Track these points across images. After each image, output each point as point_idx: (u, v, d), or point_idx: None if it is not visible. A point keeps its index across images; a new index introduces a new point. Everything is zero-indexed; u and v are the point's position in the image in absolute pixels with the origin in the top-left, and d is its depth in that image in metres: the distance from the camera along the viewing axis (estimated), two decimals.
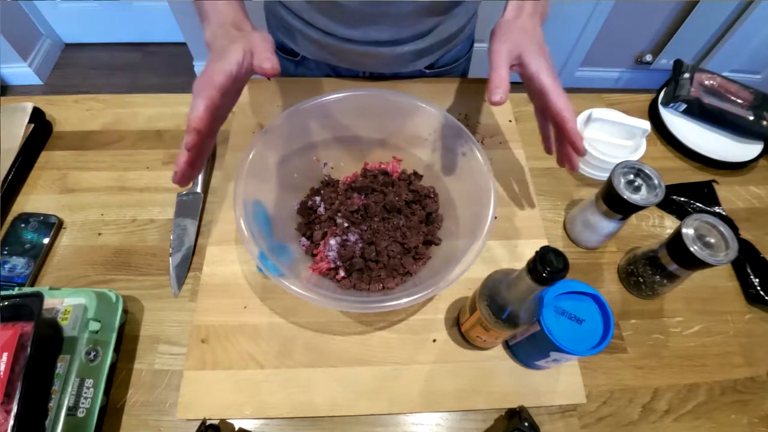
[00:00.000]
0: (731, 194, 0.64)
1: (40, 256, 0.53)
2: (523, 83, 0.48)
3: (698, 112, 0.69)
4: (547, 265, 0.30)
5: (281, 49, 0.75)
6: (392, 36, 0.62)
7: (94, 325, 0.44)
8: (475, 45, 0.79)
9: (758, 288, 0.54)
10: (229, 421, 0.45)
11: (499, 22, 0.48)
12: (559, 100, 0.44)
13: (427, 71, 0.73)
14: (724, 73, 0.73)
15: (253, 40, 0.42)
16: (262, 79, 0.71)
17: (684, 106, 0.69)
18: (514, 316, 0.38)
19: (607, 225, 0.53)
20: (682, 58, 0.76)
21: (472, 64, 0.81)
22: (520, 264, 0.34)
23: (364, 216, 0.54)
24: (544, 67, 0.45)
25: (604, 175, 0.63)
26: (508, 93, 0.43)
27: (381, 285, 0.50)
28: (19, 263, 0.52)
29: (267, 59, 0.41)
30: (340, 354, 0.48)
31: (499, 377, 0.48)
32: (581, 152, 0.46)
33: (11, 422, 0.36)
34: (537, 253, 0.31)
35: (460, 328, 0.49)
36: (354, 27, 0.61)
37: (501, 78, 0.43)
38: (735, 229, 0.59)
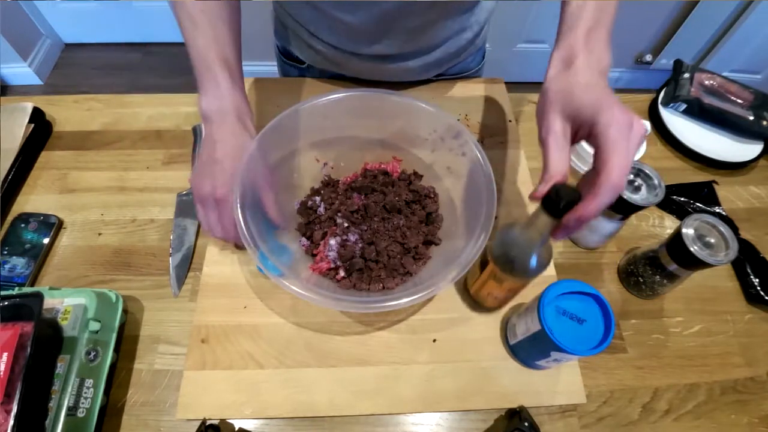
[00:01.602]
0: (731, 194, 0.64)
1: (40, 256, 0.53)
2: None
3: (698, 112, 0.69)
4: (562, 197, 0.32)
5: (287, 56, 0.74)
6: (399, 50, 0.62)
7: (94, 325, 0.44)
8: (487, 46, 0.78)
9: (758, 288, 0.54)
10: (229, 421, 0.45)
11: (545, 86, 0.38)
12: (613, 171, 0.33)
13: (435, 78, 0.73)
14: (724, 73, 0.73)
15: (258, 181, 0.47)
16: (262, 79, 0.71)
17: (684, 106, 0.69)
18: (524, 263, 0.40)
19: (607, 225, 0.52)
20: (682, 58, 0.76)
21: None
22: None
23: (364, 216, 0.54)
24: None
25: None
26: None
27: (381, 285, 0.50)
28: (19, 263, 0.52)
29: (273, 214, 0.48)
30: (340, 354, 0.48)
31: (499, 377, 0.47)
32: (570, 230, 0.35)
33: (11, 422, 0.36)
34: (552, 188, 0.33)
35: (470, 292, 0.50)
36: (360, 43, 0.61)
37: (558, 161, 0.35)
38: (735, 229, 0.59)
